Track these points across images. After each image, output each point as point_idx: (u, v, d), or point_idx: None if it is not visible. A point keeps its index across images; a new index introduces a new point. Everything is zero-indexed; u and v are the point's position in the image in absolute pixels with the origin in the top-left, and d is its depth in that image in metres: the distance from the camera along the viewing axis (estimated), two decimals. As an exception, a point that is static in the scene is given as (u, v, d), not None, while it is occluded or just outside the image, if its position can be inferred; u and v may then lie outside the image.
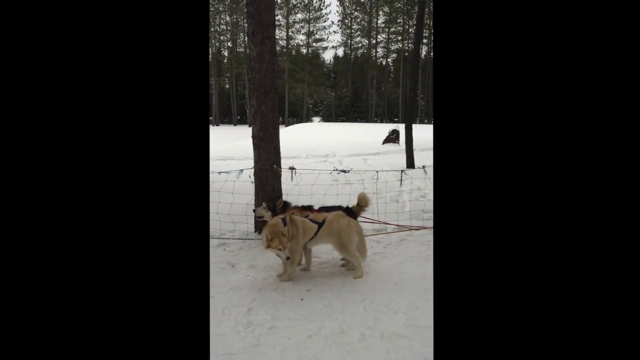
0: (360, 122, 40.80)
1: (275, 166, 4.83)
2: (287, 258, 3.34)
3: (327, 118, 48.78)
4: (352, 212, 4.08)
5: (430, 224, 5.22)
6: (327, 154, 13.52)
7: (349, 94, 49.88)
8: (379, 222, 5.07)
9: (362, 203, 4.15)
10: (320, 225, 3.62)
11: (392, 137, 16.43)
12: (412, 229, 4.99)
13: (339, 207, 4.23)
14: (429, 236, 4.75)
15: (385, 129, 18.81)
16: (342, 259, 3.91)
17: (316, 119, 46.97)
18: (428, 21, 42.39)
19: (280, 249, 3.29)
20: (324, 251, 4.18)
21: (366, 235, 4.23)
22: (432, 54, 46.89)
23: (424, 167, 5.55)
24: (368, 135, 19.16)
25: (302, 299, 3.17)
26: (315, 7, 44.75)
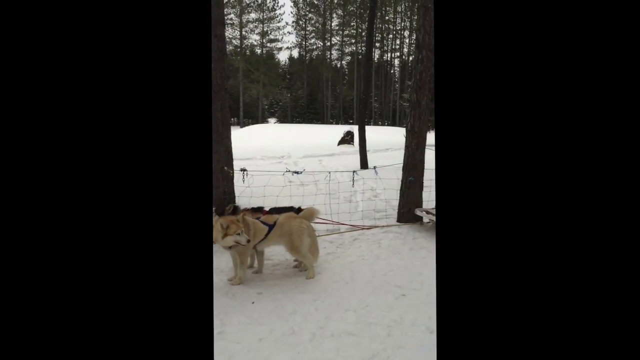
0: (316, 123, 40.99)
1: (226, 168, 4.72)
2: (248, 240, 3.28)
3: (283, 119, 48.58)
4: (304, 213, 4.08)
5: (382, 222, 5.33)
6: (282, 155, 13.45)
7: (304, 96, 49.99)
8: (332, 223, 5.11)
9: (311, 217, 4.15)
10: (271, 227, 3.58)
11: (347, 139, 16.66)
12: (364, 229, 5.07)
13: (291, 208, 4.22)
14: (380, 235, 4.85)
15: (340, 130, 19.04)
16: (295, 260, 3.89)
17: (272, 120, 46.67)
18: (380, 25, 43.53)
19: (239, 234, 3.23)
20: (277, 253, 4.14)
21: (319, 236, 4.24)
22: (384, 57, 48.17)
23: (374, 167, 5.67)
24: (323, 136, 19.31)
25: (253, 302, 3.12)
26: (269, 7, 44.37)
